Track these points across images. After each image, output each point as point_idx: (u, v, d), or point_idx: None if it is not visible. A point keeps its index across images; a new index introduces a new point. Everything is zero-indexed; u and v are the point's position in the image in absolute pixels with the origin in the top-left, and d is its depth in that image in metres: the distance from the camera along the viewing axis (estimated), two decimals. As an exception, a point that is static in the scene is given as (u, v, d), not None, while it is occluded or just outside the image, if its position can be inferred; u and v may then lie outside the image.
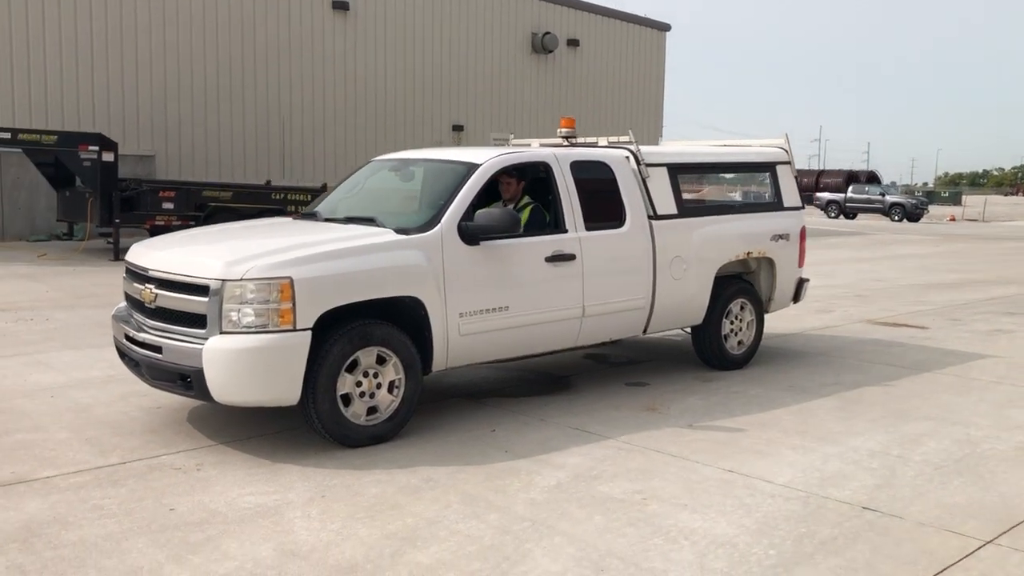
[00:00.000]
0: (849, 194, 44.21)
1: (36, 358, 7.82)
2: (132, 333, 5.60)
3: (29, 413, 6.09)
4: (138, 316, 5.70)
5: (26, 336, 8.84)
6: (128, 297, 5.98)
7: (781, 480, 4.95)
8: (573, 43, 28.98)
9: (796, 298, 8.36)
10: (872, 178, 56.35)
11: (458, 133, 25.75)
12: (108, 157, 15.71)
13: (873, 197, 43.27)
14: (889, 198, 42.84)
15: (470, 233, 5.77)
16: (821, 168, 67.43)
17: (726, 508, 4.53)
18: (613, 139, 7.68)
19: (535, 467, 5.12)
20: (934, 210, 57.19)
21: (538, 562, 3.90)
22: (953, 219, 44.72)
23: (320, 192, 18.09)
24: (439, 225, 5.72)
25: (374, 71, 24.33)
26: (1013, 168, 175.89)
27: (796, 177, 8.30)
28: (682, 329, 7.82)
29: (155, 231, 16.91)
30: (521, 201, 6.69)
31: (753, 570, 3.85)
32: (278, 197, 17.31)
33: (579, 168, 6.62)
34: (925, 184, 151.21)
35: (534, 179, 6.71)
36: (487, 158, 6.22)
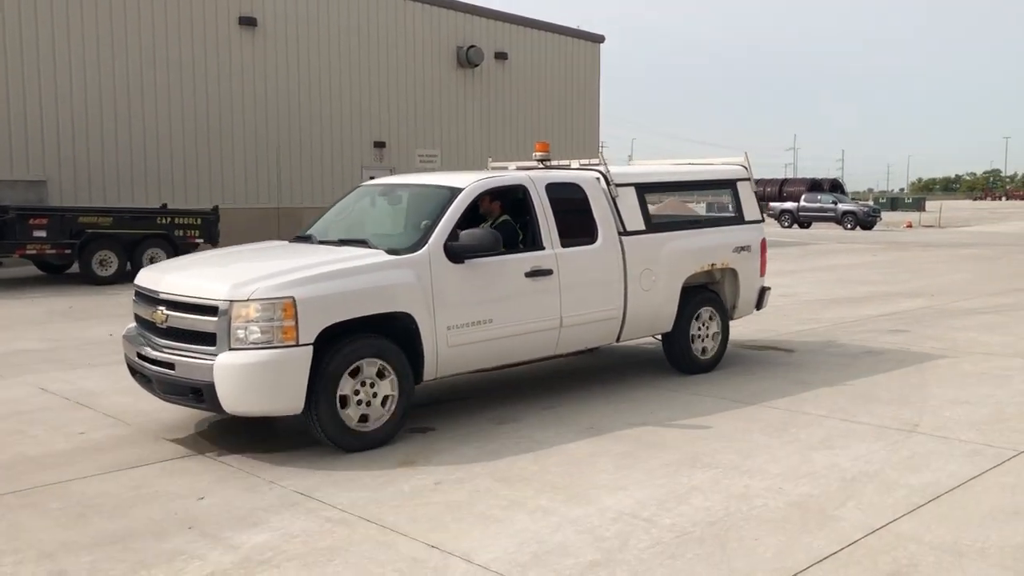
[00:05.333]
0: (802, 203, 43.70)
1: None
2: (144, 351, 5.93)
3: None
4: (149, 335, 5.99)
5: None
6: (138, 318, 6.33)
7: (483, 559, 4.19)
8: (501, 56, 28.23)
9: (759, 305, 8.82)
10: (835, 186, 55.74)
11: (380, 150, 24.99)
12: (-28, 184, 14.87)
13: (826, 206, 42.80)
14: (841, 206, 42.39)
15: (455, 252, 6.20)
16: (785, 177, 66.42)
17: (387, 601, 3.77)
18: (584, 161, 8.01)
19: (207, 546, 4.34)
20: (897, 217, 56.89)
21: None
22: (910, 225, 44.14)
23: (209, 215, 17.35)
24: (427, 245, 6.15)
25: (286, 88, 23.40)
26: (984, 173, 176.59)
27: (756, 191, 8.83)
28: (653, 336, 8.20)
29: (34, 260, 16.15)
30: (498, 219, 7.05)
31: None
32: (163, 221, 16.54)
33: (553, 189, 7.07)
34: (902, 190, 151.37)
35: (513, 200, 7.07)
36: (468, 183, 6.65)
